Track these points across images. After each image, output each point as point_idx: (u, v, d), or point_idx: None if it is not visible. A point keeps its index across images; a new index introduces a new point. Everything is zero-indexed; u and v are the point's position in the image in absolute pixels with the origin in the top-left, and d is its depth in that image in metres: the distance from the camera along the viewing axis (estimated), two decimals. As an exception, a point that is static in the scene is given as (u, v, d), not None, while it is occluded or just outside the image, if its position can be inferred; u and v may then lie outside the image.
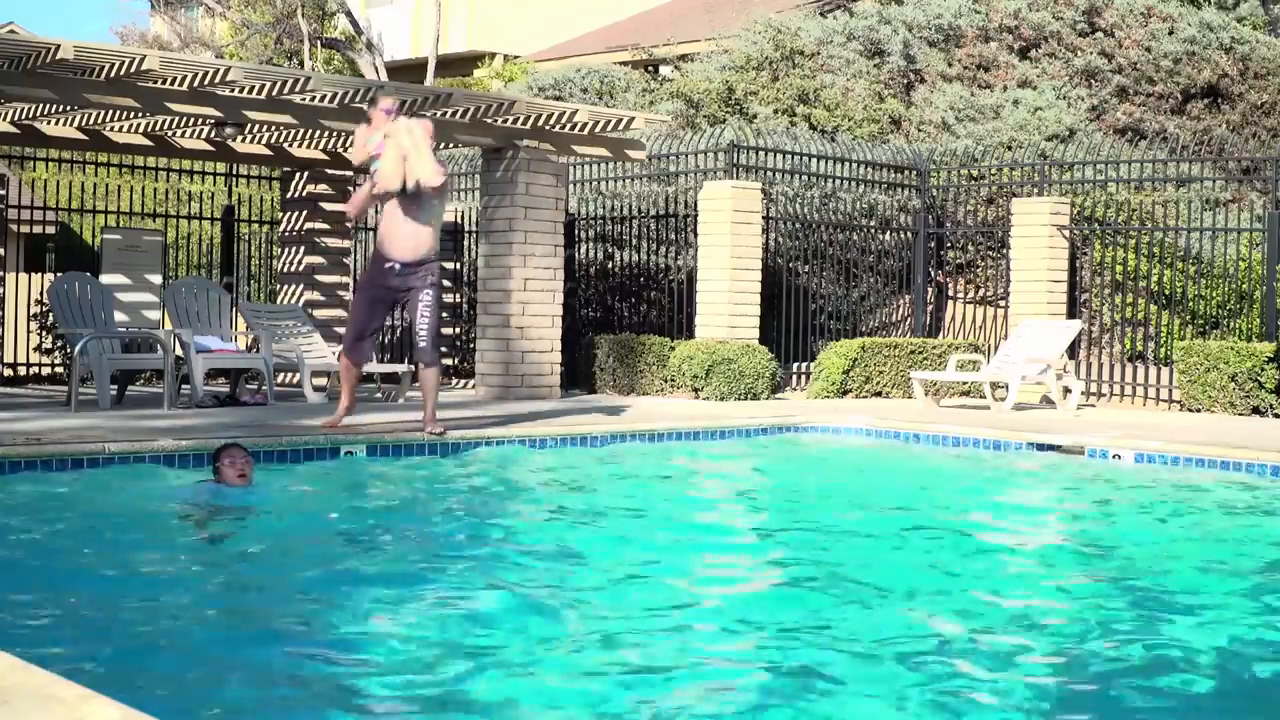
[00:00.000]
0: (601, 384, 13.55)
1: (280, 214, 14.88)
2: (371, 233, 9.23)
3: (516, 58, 30.17)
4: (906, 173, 15.71)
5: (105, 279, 12.34)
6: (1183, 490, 8.50)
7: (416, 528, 6.76)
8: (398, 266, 8.99)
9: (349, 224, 14.07)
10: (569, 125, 12.45)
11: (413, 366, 13.25)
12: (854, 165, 15.42)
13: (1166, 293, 14.10)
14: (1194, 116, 17.04)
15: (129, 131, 12.82)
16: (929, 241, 15.63)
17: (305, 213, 14.09)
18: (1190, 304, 13.98)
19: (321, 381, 12.55)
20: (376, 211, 9.54)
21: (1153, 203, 14.60)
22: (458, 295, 15.47)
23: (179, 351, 11.50)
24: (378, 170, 8.86)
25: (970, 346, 14.53)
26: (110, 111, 11.60)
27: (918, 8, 19.58)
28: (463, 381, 14.64)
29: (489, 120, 12.12)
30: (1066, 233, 14.41)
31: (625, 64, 24.20)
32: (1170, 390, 13.25)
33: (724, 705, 3.94)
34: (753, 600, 5.45)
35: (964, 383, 13.17)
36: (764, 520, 7.70)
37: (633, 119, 12.41)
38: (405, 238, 8.95)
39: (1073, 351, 13.88)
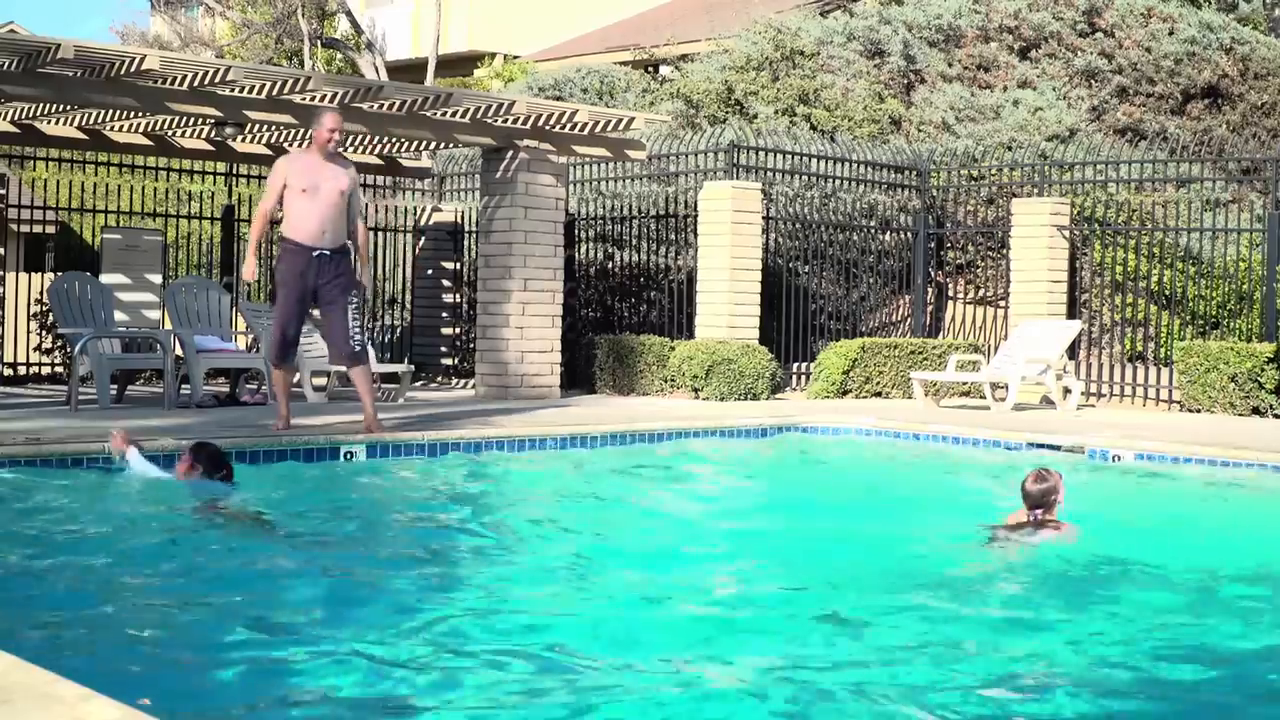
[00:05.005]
0: (601, 384, 13.54)
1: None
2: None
3: (516, 58, 30.16)
4: (906, 173, 15.71)
5: (105, 279, 12.33)
6: (1183, 490, 8.49)
7: (407, 528, 6.76)
8: (327, 254, 8.85)
9: None
10: (569, 125, 12.45)
11: (412, 366, 13.27)
12: (854, 165, 15.42)
13: (1166, 293, 14.09)
14: (1194, 117, 17.04)
15: (129, 131, 12.82)
16: (929, 242, 15.63)
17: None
18: (1190, 304, 13.97)
19: (321, 381, 12.56)
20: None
21: (1153, 203, 14.60)
22: (458, 295, 15.47)
23: (179, 351, 11.50)
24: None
25: (970, 347, 14.52)
26: (110, 111, 11.59)
27: (918, 8, 19.57)
28: (462, 381, 14.64)
29: (489, 120, 12.12)
30: (1066, 233, 14.41)
31: (625, 64, 24.18)
32: (1170, 391, 13.24)
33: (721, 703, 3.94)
34: (746, 600, 5.45)
35: (964, 383, 13.16)
36: (760, 521, 7.69)
37: (633, 119, 12.41)
38: (326, 221, 8.79)
39: (1073, 352, 13.88)
